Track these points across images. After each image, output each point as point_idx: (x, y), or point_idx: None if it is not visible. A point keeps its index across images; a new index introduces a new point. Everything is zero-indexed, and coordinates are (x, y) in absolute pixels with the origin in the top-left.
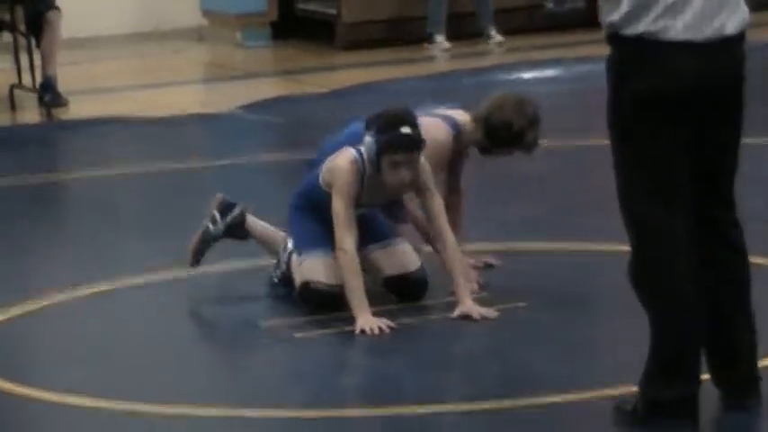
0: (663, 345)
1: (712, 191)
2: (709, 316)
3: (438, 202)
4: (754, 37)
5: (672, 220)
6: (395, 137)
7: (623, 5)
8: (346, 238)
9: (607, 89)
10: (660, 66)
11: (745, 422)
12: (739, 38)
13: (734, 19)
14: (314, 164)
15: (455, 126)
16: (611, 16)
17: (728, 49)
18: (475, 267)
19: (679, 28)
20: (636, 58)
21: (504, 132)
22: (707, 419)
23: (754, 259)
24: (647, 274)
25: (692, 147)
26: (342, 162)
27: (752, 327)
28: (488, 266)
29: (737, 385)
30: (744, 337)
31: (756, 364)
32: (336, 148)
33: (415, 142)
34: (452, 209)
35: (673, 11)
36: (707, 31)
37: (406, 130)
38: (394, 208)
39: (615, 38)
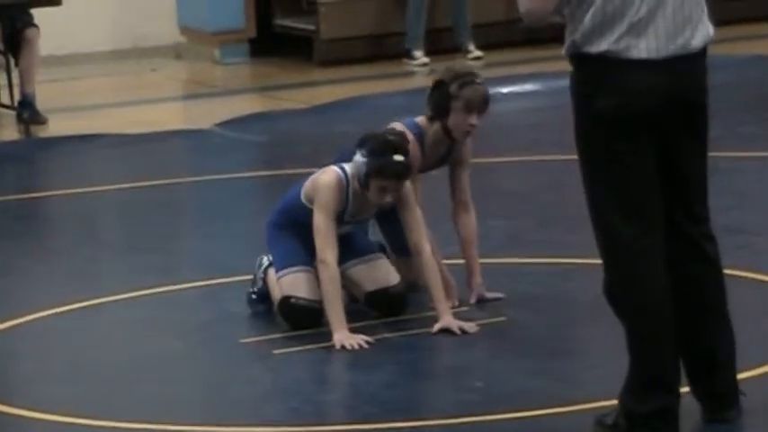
0: (640, 359)
1: (684, 205)
2: (685, 330)
3: (416, 216)
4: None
5: (641, 236)
6: (387, 164)
7: (585, 24)
8: (328, 251)
9: (572, 108)
10: (623, 84)
11: None
12: (702, 53)
13: (698, 35)
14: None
15: (415, 126)
16: (574, 35)
17: (691, 65)
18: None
19: (642, 47)
20: (598, 77)
21: (439, 93)
22: None
23: (737, 272)
24: (620, 288)
25: (661, 162)
26: (326, 178)
27: (730, 339)
28: (497, 299)
29: (717, 398)
30: (722, 351)
31: (735, 376)
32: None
33: (406, 170)
34: (462, 225)
35: (636, 29)
36: (670, 48)
37: (398, 157)
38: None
39: (577, 57)
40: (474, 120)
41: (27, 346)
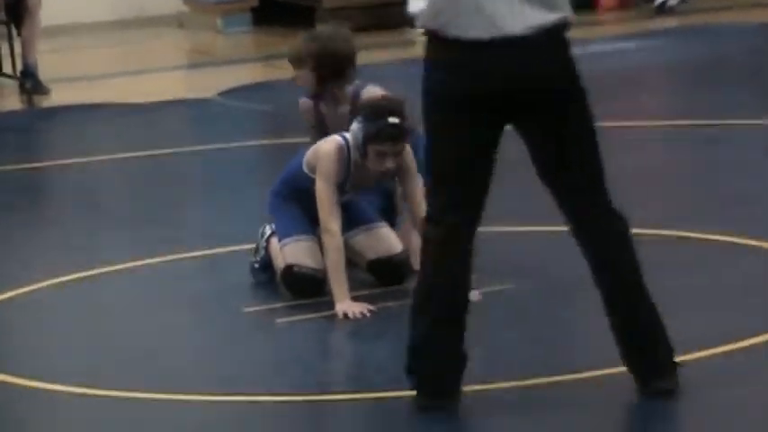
0: (410, 325)
1: (577, 191)
2: (607, 307)
3: (417, 185)
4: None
5: (446, 209)
6: (382, 127)
7: (429, 4)
8: (332, 220)
9: None
10: (454, 65)
11: (658, 407)
12: (545, 38)
13: (532, 18)
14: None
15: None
16: (422, 14)
17: (531, 49)
18: None
19: (469, 27)
20: (434, 57)
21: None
22: (621, 405)
23: (738, 239)
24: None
25: (538, 147)
26: (328, 146)
27: (652, 312)
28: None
29: (644, 370)
30: (646, 325)
31: (666, 349)
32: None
33: (402, 133)
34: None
35: (467, 12)
36: (500, 30)
37: (393, 120)
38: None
39: (425, 33)
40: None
41: (28, 316)
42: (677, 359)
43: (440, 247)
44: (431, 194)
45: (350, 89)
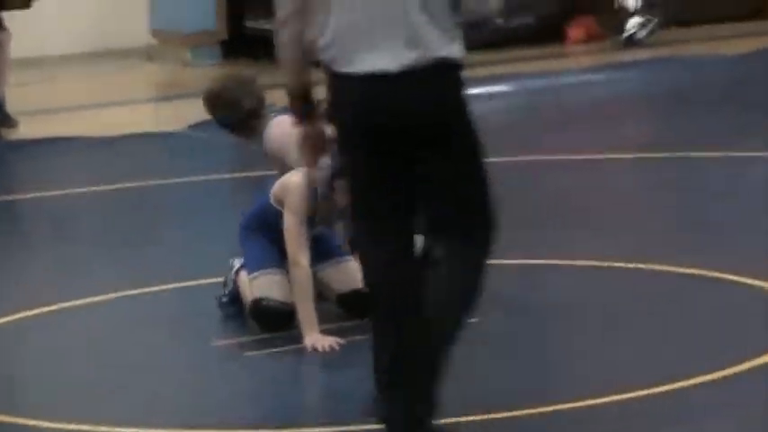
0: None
1: (438, 222)
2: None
3: None
4: (707, 50)
5: (378, 250)
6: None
7: (324, 35)
8: (300, 253)
9: None
10: (344, 96)
11: None
12: (428, 70)
13: (426, 52)
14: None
15: None
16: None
17: (421, 81)
18: None
19: (357, 60)
20: (331, 86)
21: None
22: None
23: (708, 272)
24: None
25: (420, 177)
26: (296, 179)
27: (437, 358)
28: None
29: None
30: (425, 366)
31: (427, 405)
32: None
33: None
34: None
35: (352, 44)
36: (380, 64)
37: None
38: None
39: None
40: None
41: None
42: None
43: (377, 277)
44: (355, 227)
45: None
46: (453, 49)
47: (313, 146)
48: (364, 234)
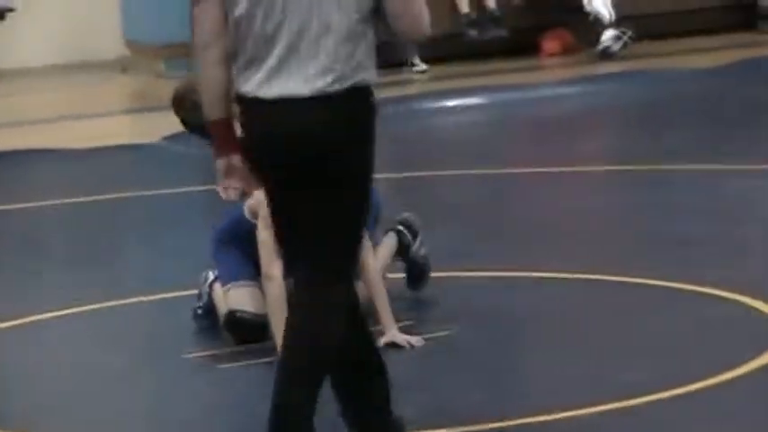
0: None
1: (313, 254)
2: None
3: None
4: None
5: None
6: None
7: (237, 58)
8: (273, 267)
9: None
10: (247, 121)
11: None
12: (323, 99)
13: (313, 80)
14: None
15: None
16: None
17: (305, 110)
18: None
19: (254, 84)
20: (243, 113)
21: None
22: None
23: (680, 284)
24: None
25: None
26: None
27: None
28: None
29: None
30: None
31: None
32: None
33: None
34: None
35: (253, 67)
36: (279, 89)
37: None
38: None
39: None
40: None
41: None
42: None
43: (294, 300)
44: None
45: None
46: (368, 75)
47: (241, 177)
48: (286, 255)
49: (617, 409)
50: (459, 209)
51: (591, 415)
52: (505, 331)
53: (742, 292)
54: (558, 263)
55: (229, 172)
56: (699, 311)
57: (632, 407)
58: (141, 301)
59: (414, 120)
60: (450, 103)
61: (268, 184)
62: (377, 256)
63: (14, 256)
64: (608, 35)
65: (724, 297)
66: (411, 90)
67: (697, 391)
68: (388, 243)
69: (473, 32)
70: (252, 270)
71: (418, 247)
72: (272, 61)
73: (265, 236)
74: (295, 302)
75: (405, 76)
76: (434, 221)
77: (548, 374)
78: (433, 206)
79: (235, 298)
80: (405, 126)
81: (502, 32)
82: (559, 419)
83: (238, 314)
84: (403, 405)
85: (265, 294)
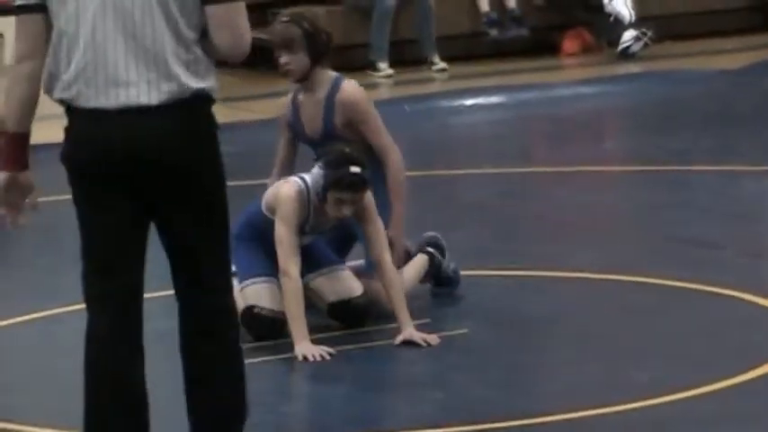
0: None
1: (188, 274)
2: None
3: (378, 229)
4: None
5: (98, 288)
6: (343, 175)
7: (49, 67)
8: (290, 263)
9: None
10: (76, 134)
11: None
12: (182, 104)
13: (158, 89)
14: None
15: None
16: (49, 84)
17: (151, 121)
18: None
19: (90, 95)
20: (71, 125)
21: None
22: None
23: (698, 285)
24: (86, 347)
25: (158, 226)
26: (287, 190)
27: (216, 416)
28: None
29: None
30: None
31: None
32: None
33: (362, 182)
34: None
35: (84, 76)
36: (120, 100)
37: (354, 169)
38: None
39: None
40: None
41: None
42: None
43: (96, 318)
44: (87, 282)
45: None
46: (207, 82)
47: (20, 193)
48: (91, 268)
49: (632, 410)
50: (477, 208)
51: (606, 415)
52: (521, 330)
53: (757, 294)
54: (575, 262)
55: (12, 188)
56: (714, 313)
57: (647, 407)
58: (159, 297)
59: (433, 118)
60: (470, 101)
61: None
62: (404, 277)
63: (26, 252)
64: (628, 35)
65: (739, 298)
66: (430, 89)
67: (711, 393)
68: (418, 264)
69: (493, 32)
70: (269, 266)
71: (447, 265)
72: (109, 70)
73: (283, 232)
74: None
75: (424, 74)
76: (452, 220)
77: (563, 374)
78: (451, 205)
79: (252, 294)
80: (424, 125)
81: (522, 32)
82: (574, 419)
83: (255, 310)
84: (419, 402)
85: (282, 291)
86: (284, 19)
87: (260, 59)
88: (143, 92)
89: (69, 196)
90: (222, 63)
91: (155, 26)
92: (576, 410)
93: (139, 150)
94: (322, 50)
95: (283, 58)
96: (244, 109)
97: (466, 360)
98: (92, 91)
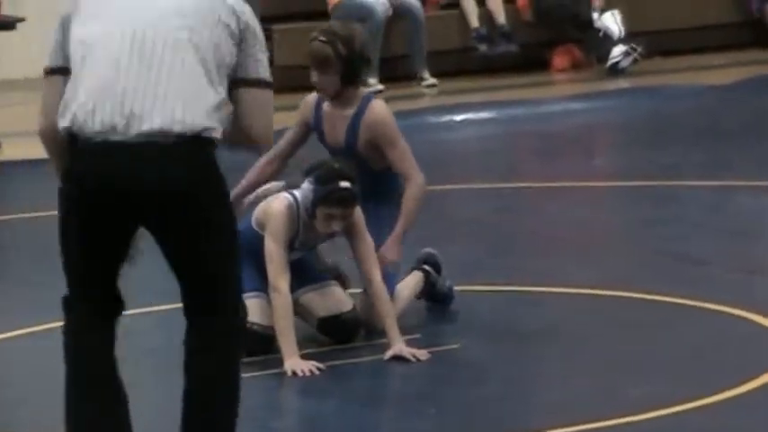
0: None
1: (192, 296)
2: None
3: (367, 245)
4: (690, 80)
5: (75, 306)
6: (332, 191)
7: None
8: (280, 279)
9: None
10: (76, 163)
11: None
12: (174, 143)
13: (155, 120)
14: None
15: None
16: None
17: (151, 152)
18: None
19: (93, 125)
20: (69, 152)
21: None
22: None
23: (689, 301)
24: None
25: (162, 248)
26: (277, 205)
27: None
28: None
29: None
30: None
31: None
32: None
33: (352, 197)
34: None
35: (84, 109)
36: (130, 132)
37: (344, 184)
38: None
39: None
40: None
41: None
42: None
43: (72, 336)
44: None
45: (360, 94)
46: (213, 122)
47: None
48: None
49: (626, 424)
50: (468, 223)
51: (599, 429)
52: (512, 346)
53: (749, 309)
54: (566, 278)
55: None
56: (706, 328)
57: (640, 422)
58: (149, 312)
59: (422, 134)
60: (459, 117)
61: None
62: (399, 294)
63: (27, 265)
64: (617, 51)
65: (731, 313)
66: (420, 104)
67: (704, 408)
68: (413, 281)
69: (483, 47)
70: (259, 281)
71: (443, 282)
72: (116, 105)
73: (272, 248)
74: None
75: (414, 89)
76: (443, 235)
77: (555, 389)
78: (441, 220)
79: None
80: (413, 140)
81: (512, 48)
82: None
83: (246, 326)
84: (410, 417)
85: (272, 307)
86: (321, 38)
87: None
88: (155, 125)
89: (55, 212)
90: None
91: (185, 69)
92: (569, 425)
93: (146, 184)
94: (354, 72)
95: (315, 77)
96: None
97: (458, 375)
98: (99, 120)
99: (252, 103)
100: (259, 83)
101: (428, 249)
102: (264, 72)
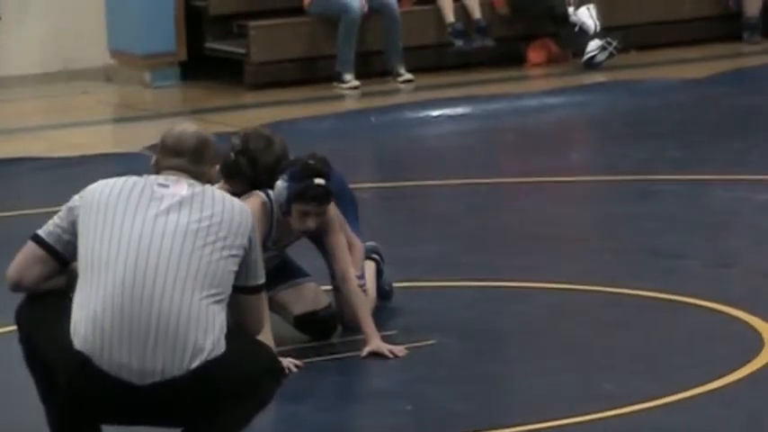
0: None
1: None
2: None
3: (341, 243)
4: (665, 74)
5: None
6: (307, 187)
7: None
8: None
9: None
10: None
11: None
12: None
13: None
14: None
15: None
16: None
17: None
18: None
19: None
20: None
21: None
22: None
23: (665, 295)
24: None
25: None
26: (251, 204)
27: None
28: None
29: None
30: None
31: None
32: None
33: (327, 194)
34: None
35: (106, 333)
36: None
37: (319, 181)
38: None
39: None
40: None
41: None
42: None
43: None
44: None
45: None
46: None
47: None
48: None
49: (603, 419)
50: (445, 219)
51: (577, 424)
52: (490, 342)
53: (726, 304)
54: (543, 274)
55: None
56: (683, 322)
57: (617, 416)
58: None
59: (399, 129)
60: (436, 113)
61: None
62: (366, 277)
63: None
64: (593, 45)
65: (708, 308)
66: (396, 100)
67: (682, 402)
68: (370, 273)
69: (459, 42)
70: None
71: (386, 276)
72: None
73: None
74: None
75: (390, 85)
76: (420, 231)
77: (532, 385)
78: (417, 216)
79: None
80: (390, 136)
81: (487, 42)
82: (544, 429)
83: None
84: (388, 414)
85: None
86: (234, 150)
87: (225, 73)
88: (167, 367)
89: (49, 209)
90: (189, 76)
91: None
92: (547, 420)
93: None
94: (260, 185)
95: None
96: (208, 121)
97: (435, 371)
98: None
99: (249, 306)
100: (248, 289)
101: (371, 243)
102: (254, 279)
